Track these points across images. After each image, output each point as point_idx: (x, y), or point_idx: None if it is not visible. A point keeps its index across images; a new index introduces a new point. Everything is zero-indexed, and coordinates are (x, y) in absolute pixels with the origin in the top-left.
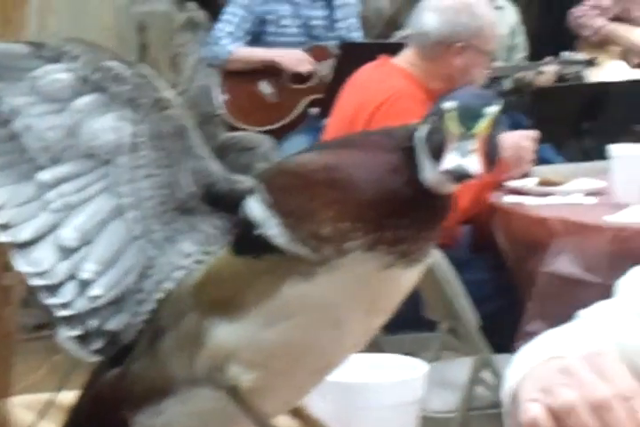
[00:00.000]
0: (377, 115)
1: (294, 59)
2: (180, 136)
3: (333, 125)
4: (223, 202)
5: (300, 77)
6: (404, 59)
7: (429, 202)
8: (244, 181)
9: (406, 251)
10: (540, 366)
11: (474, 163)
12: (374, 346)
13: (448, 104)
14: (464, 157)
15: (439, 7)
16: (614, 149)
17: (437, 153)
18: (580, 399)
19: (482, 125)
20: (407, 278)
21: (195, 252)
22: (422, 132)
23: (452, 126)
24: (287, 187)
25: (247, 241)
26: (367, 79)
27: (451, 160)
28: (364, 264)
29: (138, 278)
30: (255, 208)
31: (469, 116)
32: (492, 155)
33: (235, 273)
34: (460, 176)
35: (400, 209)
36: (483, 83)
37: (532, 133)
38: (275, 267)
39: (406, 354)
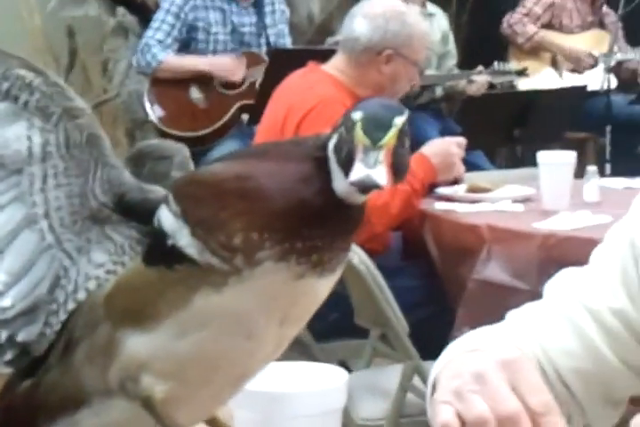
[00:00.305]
0: (305, 121)
1: (226, 67)
2: (91, 145)
3: (263, 131)
4: (135, 212)
5: (230, 83)
6: (334, 65)
7: (342, 212)
8: (157, 190)
9: (319, 261)
10: (459, 358)
11: (380, 173)
12: (306, 353)
13: (355, 115)
14: (371, 168)
15: (370, 14)
16: (542, 157)
17: (347, 163)
18: (490, 412)
19: (389, 136)
20: (320, 288)
21: (107, 262)
22: (332, 143)
23: (360, 137)
24: (198, 196)
25: (159, 251)
26: (296, 86)
27: (358, 171)
28: (276, 274)
29: (50, 289)
30: (166, 218)
31: (376, 127)
32: (399, 165)
33: (146, 284)
34: (367, 187)
35: (312, 219)
36: (413, 91)
37: (461, 140)
38: (186, 277)
39: (338, 361)
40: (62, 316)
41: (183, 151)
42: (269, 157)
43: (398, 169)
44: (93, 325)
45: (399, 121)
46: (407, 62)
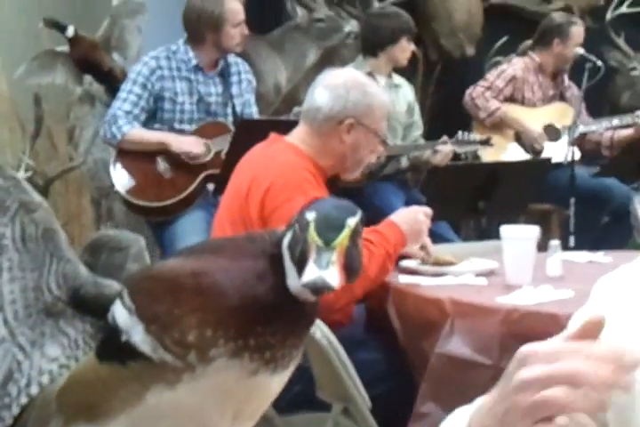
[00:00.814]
0: (272, 190)
1: (186, 143)
2: (46, 239)
3: (227, 202)
4: (90, 306)
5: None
6: (296, 136)
7: (296, 309)
8: (112, 285)
9: (272, 358)
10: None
11: (333, 275)
12: (269, 426)
13: (309, 215)
14: (323, 270)
15: (331, 84)
16: (505, 231)
17: (300, 261)
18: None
19: (341, 237)
20: (273, 384)
21: (60, 356)
22: (287, 240)
23: (313, 237)
24: (153, 292)
25: (112, 347)
26: (259, 157)
27: (310, 272)
28: (230, 371)
29: (2, 383)
30: (121, 314)
31: (329, 228)
32: (352, 265)
33: (99, 379)
34: (319, 288)
35: (265, 316)
36: (379, 162)
37: (427, 209)
38: (140, 374)
39: None
40: (15, 410)
41: (139, 242)
42: (224, 254)
43: (351, 269)
44: (46, 419)
45: (352, 222)
46: (368, 132)
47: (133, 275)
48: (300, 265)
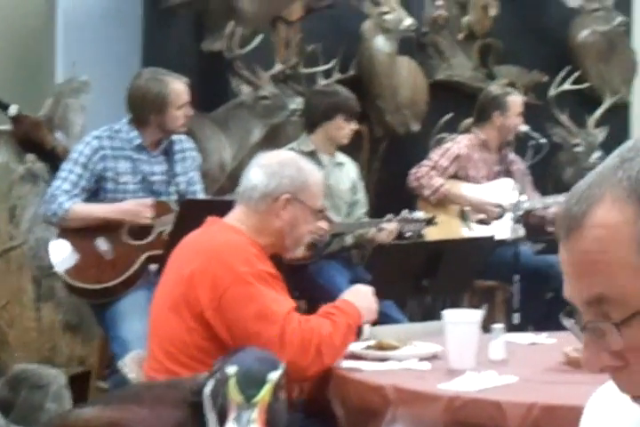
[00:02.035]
0: (219, 271)
1: (133, 213)
2: None
3: (168, 288)
4: None
5: (138, 234)
6: (233, 217)
7: None
8: None
9: None
10: None
11: None
12: None
13: (230, 369)
14: None
15: (265, 163)
16: (448, 315)
17: (222, 415)
18: None
19: (263, 393)
20: None
21: None
22: (208, 389)
23: (233, 394)
24: None
25: None
26: (199, 240)
27: None
28: None
29: None
30: None
31: (250, 384)
32: (274, 421)
33: None
34: None
35: None
36: (323, 239)
37: (369, 287)
38: None
39: None
40: None
41: (60, 380)
42: (144, 402)
43: (273, 424)
44: None
45: (274, 376)
46: (305, 207)
47: (51, 423)
48: (222, 418)
